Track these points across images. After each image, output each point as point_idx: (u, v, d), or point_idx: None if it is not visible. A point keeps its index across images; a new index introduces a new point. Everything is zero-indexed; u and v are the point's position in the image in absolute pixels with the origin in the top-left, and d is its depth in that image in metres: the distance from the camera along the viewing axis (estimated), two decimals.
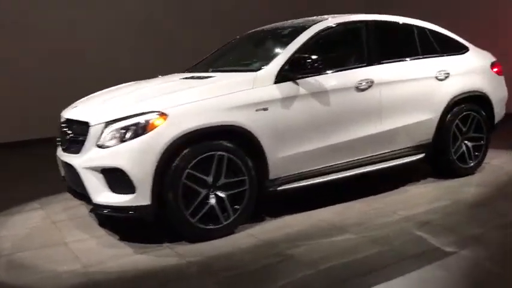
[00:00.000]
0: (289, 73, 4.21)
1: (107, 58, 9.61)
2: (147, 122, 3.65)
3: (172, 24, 10.34)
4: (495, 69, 5.64)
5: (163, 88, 4.22)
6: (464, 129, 5.29)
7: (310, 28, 4.53)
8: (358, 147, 4.61)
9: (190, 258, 3.56)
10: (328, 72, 4.47)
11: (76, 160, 3.86)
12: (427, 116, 5.02)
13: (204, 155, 3.78)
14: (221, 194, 3.89)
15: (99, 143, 3.73)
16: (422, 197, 4.76)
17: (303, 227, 4.09)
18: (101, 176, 3.73)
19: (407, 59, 5.01)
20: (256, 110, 4.00)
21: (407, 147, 4.98)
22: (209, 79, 4.28)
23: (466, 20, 9.28)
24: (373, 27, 4.88)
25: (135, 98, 4.00)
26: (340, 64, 4.66)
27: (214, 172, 3.83)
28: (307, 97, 4.27)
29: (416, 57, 5.09)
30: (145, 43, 10.03)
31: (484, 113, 5.44)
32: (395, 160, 4.89)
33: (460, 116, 5.24)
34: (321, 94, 4.34)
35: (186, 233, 3.86)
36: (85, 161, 3.78)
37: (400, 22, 5.20)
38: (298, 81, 4.24)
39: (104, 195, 3.73)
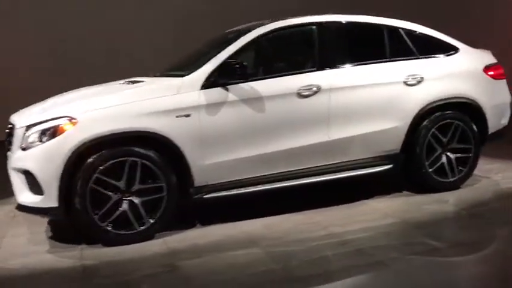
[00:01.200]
0: (218, 79, 4.10)
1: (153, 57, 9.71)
2: (56, 126, 3.77)
3: (211, 24, 10.40)
4: (490, 73, 5.01)
5: (89, 94, 4.30)
6: (444, 140, 4.77)
7: (250, 33, 4.36)
8: (302, 157, 4.36)
9: (86, 262, 3.63)
10: (267, 78, 4.29)
11: (8, 161, 4.10)
12: (392, 124, 4.60)
13: (114, 161, 3.81)
14: (135, 200, 3.90)
15: (22, 145, 3.92)
16: (373, 212, 4.39)
17: (220, 237, 3.98)
18: (23, 176, 3.92)
19: (370, 62, 4.63)
20: (177, 116, 3.95)
21: (369, 158, 4.61)
22: (138, 84, 4.29)
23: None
24: (328, 29, 4.56)
25: (58, 103, 4.14)
26: (284, 69, 4.45)
27: (126, 178, 3.85)
28: (237, 104, 4.12)
29: (382, 60, 4.68)
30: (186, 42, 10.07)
31: (471, 122, 4.86)
32: (355, 170, 4.56)
33: (438, 125, 4.73)
34: (254, 101, 4.17)
35: (96, 237, 3.92)
36: (12, 162, 3.99)
37: (365, 22, 4.80)
38: (229, 87, 4.11)
39: (24, 195, 3.92)
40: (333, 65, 4.47)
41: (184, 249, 3.78)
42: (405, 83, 4.63)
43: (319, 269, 3.33)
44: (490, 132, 5.01)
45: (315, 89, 4.32)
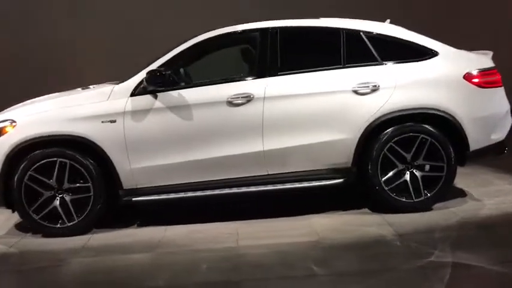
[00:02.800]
0: (147, 87, 4.24)
1: None
2: (2, 128, 4.27)
3: None
4: (474, 80, 4.33)
5: (41, 99, 4.69)
6: (407, 155, 4.28)
7: (188, 41, 4.41)
8: (236, 165, 4.29)
9: (12, 249, 4.08)
10: (200, 85, 4.32)
11: None
12: (339, 136, 4.26)
13: (45, 161, 4.20)
14: (66, 198, 4.26)
15: None
16: (303, 228, 4.14)
17: (136, 239, 4.17)
18: None
19: (317, 69, 4.34)
20: (102, 122, 4.20)
21: (317, 170, 4.34)
22: (76, 90, 4.62)
23: None
24: (272, 35, 4.38)
25: (14, 107, 4.63)
26: (218, 77, 4.41)
27: (56, 176, 4.22)
28: (165, 110, 4.23)
29: (333, 67, 4.35)
30: None
31: (444, 136, 4.28)
32: (301, 182, 4.35)
33: (397, 139, 4.26)
34: (182, 108, 4.23)
35: (34, 228, 4.35)
36: None
37: (319, 27, 4.50)
38: (158, 94, 4.23)
39: None
40: (273, 73, 4.31)
41: (94, 247, 4.04)
42: (355, 91, 4.25)
43: (176, 281, 3.32)
44: (472, 149, 4.34)
45: (247, 97, 4.21)
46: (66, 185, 4.24)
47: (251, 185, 4.34)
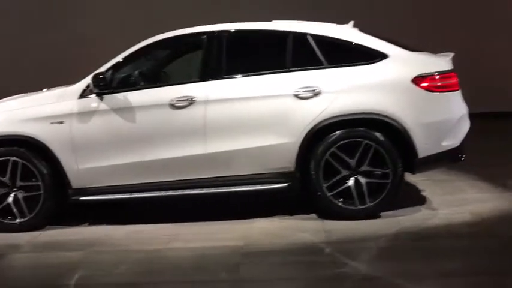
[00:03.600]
0: (94, 89, 4.36)
1: None
2: None
3: None
4: (424, 84, 4.16)
5: (7, 99, 4.91)
6: (351, 161, 4.19)
7: (139, 44, 4.49)
8: (180, 168, 4.34)
9: None
10: (145, 88, 4.41)
11: None
12: (280, 140, 4.22)
13: (1, 159, 4.40)
14: (19, 195, 4.45)
15: None
16: (236, 232, 4.14)
17: (76, 237, 4.31)
18: None
19: (261, 73, 4.31)
20: (51, 123, 4.35)
21: (261, 174, 4.32)
22: (36, 92, 4.79)
23: None
24: (218, 39, 4.39)
25: None
26: (164, 80, 4.49)
27: (9, 176, 4.41)
28: (109, 113, 4.33)
29: (276, 71, 4.30)
30: None
31: (389, 142, 4.15)
32: (245, 186, 4.33)
33: (340, 144, 4.17)
34: (126, 110, 4.32)
35: None
36: None
37: (265, 30, 4.47)
38: (104, 96, 4.35)
39: None
40: (217, 76, 4.32)
41: (39, 243, 4.20)
42: (296, 96, 4.19)
43: (87, 281, 3.43)
44: (421, 156, 4.18)
45: (189, 100, 4.25)
46: (18, 183, 4.43)
47: (195, 187, 4.37)
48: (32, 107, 4.46)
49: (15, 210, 4.45)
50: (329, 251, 3.67)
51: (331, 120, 4.16)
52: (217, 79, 4.31)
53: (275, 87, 4.24)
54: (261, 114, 4.23)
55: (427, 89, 4.16)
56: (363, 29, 4.54)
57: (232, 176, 4.34)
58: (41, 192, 4.41)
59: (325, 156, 4.18)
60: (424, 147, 4.18)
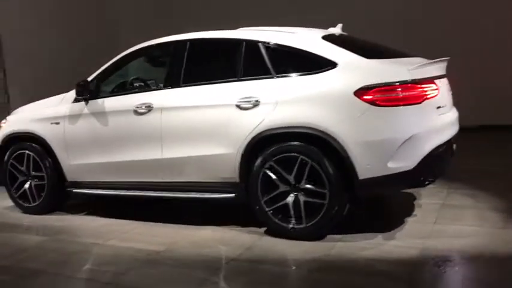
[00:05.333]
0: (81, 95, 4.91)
1: None
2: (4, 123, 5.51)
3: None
4: (367, 97, 3.69)
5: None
6: (289, 177, 3.96)
7: (119, 55, 4.87)
8: (144, 170, 4.63)
9: None
10: (119, 95, 4.78)
11: None
12: (223, 150, 4.18)
13: (18, 152, 5.26)
14: (32, 183, 5.26)
15: None
16: (175, 237, 4.24)
17: (57, 224, 4.91)
18: None
19: (215, 82, 4.30)
20: (51, 123, 5.05)
21: (210, 182, 4.36)
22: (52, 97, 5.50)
23: None
24: (181, 48, 4.51)
25: None
26: (134, 88, 4.79)
27: (25, 166, 5.25)
28: (89, 116, 4.83)
29: (229, 80, 4.24)
30: None
31: (326, 160, 3.81)
32: (196, 193, 4.45)
33: (278, 158, 3.97)
34: (102, 114, 4.76)
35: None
36: None
37: (221, 38, 4.43)
38: (89, 101, 4.87)
39: None
40: (176, 85, 4.47)
41: (30, 226, 4.93)
42: (238, 106, 4.11)
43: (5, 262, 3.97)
44: (362, 177, 3.74)
45: (148, 107, 4.50)
46: (32, 173, 5.22)
47: (157, 190, 4.61)
48: (40, 109, 5.20)
49: (29, 195, 5.27)
50: (222, 267, 3.56)
51: (268, 133, 3.98)
52: (174, 87, 4.47)
53: (221, 97, 4.22)
54: (208, 123, 4.25)
55: (370, 102, 3.69)
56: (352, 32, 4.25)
57: (185, 182, 4.46)
58: (45, 182, 5.14)
59: (263, 170, 4.02)
60: (365, 168, 3.72)
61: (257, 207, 4.09)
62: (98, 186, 4.92)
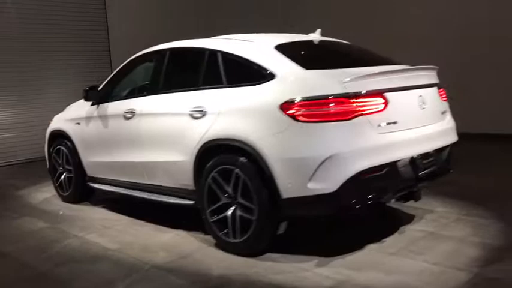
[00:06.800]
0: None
1: None
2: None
3: None
4: (290, 111, 3.45)
5: None
6: (228, 189, 3.91)
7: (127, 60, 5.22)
8: (132, 171, 4.93)
9: None
10: (118, 100, 5.14)
11: None
12: (179, 157, 4.25)
13: (57, 147, 5.99)
14: (65, 175, 5.94)
15: None
16: (135, 237, 4.46)
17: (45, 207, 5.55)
18: None
19: (182, 90, 4.38)
20: (75, 123, 5.65)
21: (174, 187, 4.48)
22: None
23: None
24: (162, 57, 4.70)
25: None
26: (131, 93, 5.08)
27: (61, 160, 5.94)
28: (97, 118, 5.30)
29: (192, 88, 4.28)
30: None
31: (255, 175, 3.67)
32: (164, 196, 4.59)
33: (218, 169, 3.94)
34: (105, 117, 5.19)
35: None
36: None
37: (192, 48, 4.46)
38: (100, 105, 5.35)
39: None
40: (154, 92, 4.67)
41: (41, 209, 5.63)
42: (191, 115, 4.15)
43: None
44: (285, 196, 3.52)
45: (132, 113, 4.78)
46: (65, 166, 5.90)
47: (145, 190, 4.86)
48: (72, 109, 5.84)
49: (64, 186, 5.96)
50: (139, 272, 3.68)
51: (211, 144, 3.97)
52: (151, 94, 4.68)
53: (179, 105, 4.30)
54: (169, 130, 4.37)
55: (292, 117, 3.44)
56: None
57: (158, 185, 4.64)
58: (72, 175, 5.77)
59: (208, 181, 4.01)
60: (287, 187, 3.50)
61: (203, 216, 4.09)
62: (107, 182, 5.36)
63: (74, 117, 5.68)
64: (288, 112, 3.45)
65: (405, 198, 3.98)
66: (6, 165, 8.76)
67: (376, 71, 3.57)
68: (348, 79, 3.41)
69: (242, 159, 3.71)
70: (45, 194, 6.39)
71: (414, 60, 4.59)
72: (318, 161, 3.34)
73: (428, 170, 3.84)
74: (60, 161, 5.93)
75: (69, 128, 5.71)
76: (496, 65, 8.56)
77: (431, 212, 4.67)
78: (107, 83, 5.33)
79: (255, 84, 3.78)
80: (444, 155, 4.11)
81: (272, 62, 3.79)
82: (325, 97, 3.38)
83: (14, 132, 8.97)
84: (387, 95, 3.53)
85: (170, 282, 3.49)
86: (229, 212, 3.90)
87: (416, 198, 3.92)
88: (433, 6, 9.24)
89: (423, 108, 3.81)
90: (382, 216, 4.70)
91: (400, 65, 4.10)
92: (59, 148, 5.90)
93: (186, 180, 4.25)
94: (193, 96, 4.20)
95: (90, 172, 5.55)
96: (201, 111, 4.05)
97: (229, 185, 3.86)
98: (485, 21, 8.61)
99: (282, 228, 3.76)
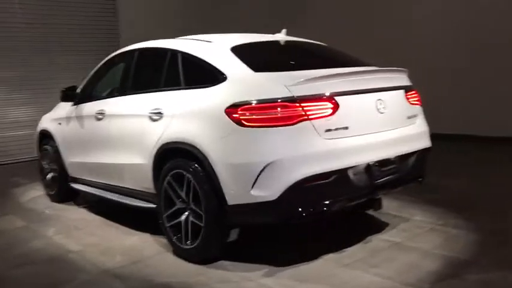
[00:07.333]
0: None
1: None
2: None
3: None
4: (234, 115, 3.33)
5: None
6: (182, 193, 3.83)
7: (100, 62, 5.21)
8: (104, 172, 4.92)
9: None
10: (94, 100, 5.13)
11: None
12: (140, 160, 4.19)
13: (43, 147, 6.04)
14: (49, 176, 5.98)
15: None
16: (101, 239, 4.44)
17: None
18: None
19: (144, 91, 4.33)
20: (58, 123, 5.69)
21: (138, 190, 4.42)
22: None
23: None
24: (131, 57, 4.66)
25: None
26: (104, 94, 5.05)
27: (47, 160, 5.99)
28: (74, 119, 5.31)
29: (154, 89, 4.22)
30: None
31: (205, 180, 3.57)
32: (130, 199, 4.53)
33: (172, 173, 3.86)
34: (80, 118, 5.20)
35: None
36: None
37: (158, 47, 4.43)
38: (78, 105, 5.35)
39: None
40: (122, 93, 4.66)
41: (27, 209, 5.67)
42: (150, 117, 4.08)
43: None
44: (230, 202, 3.41)
45: (102, 114, 4.76)
46: (51, 166, 5.94)
47: (118, 193, 4.83)
48: (57, 110, 5.87)
49: (50, 185, 6.01)
50: (85, 275, 3.64)
51: (165, 147, 3.89)
52: (118, 95, 4.65)
53: (141, 107, 4.24)
54: (132, 132, 4.33)
55: (236, 121, 3.32)
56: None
57: (126, 187, 4.60)
58: (57, 175, 5.82)
59: (164, 185, 3.94)
60: (231, 193, 3.39)
61: (160, 221, 4.02)
62: (85, 183, 5.36)
63: (57, 117, 5.72)
64: (232, 116, 3.33)
65: (364, 207, 3.79)
66: (22, 162, 8.89)
67: (327, 74, 3.40)
68: (294, 82, 3.26)
69: (192, 163, 3.62)
70: (37, 193, 6.44)
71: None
72: (259, 167, 3.21)
73: (388, 177, 3.64)
74: (45, 162, 5.98)
75: (53, 128, 5.75)
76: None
77: (407, 221, 4.46)
78: (85, 83, 5.33)
79: (207, 87, 3.67)
80: (411, 161, 3.88)
81: (225, 63, 3.68)
82: (268, 101, 3.24)
83: (30, 129, 9.14)
84: (338, 98, 3.36)
85: (113, 287, 3.44)
86: (183, 217, 3.81)
87: (376, 207, 3.73)
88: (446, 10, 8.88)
89: (382, 113, 3.61)
90: (353, 224, 4.51)
91: (366, 67, 3.92)
92: (46, 147, 5.96)
93: (148, 183, 4.19)
94: (153, 98, 4.14)
95: (71, 172, 5.57)
96: (159, 113, 3.98)
97: (182, 190, 3.77)
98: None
99: (233, 235, 3.65)
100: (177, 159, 3.79)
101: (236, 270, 3.59)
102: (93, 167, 5.06)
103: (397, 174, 3.72)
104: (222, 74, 3.61)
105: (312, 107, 3.26)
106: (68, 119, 5.43)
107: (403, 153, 3.75)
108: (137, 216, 4.84)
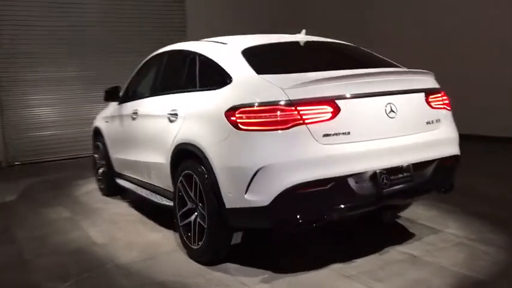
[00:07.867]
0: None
1: None
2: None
3: None
4: (232, 118, 3.30)
5: None
6: (191, 194, 3.88)
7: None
8: (138, 170, 5.09)
9: None
10: (133, 100, 5.32)
11: None
12: (159, 159, 4.31)
13: (96, 143, 6.40)
14: (102, 170, 6.33)
15: None
16: (127, 234, 4.59)
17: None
18: None
19: (170, 92, 4.40)
20: (105, 121, 6.00)
21: (165, 189, 4.51)
22: None
23: None
24: (162, 59, 4.78)
25: None
26: (140, 94, 5.22)
27: (99, 156, 6.34)
28: (117, 118, 5.56)
29: (179, 91, 4.27)
30: None
31: (209, 183, 3.57)
32: (156, 196, 4.65)
33: (184, 174, 3.92)
34: (121, 117, 5.43)
35: None
36: None
37: (182, 50, 4.47)
38: (121, 104, 5.60)
39: None
40: (153, 93, 4.79)
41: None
42: (168, 118, 4.16)
43: None
44: (228, 206, 3.40)
45: (136, 113, 4.94)
46: (102, 162, 6.28)
47: (147, 189, 5.00)
48: (107, 109, 6.17)
49: (101, 179, 6.36)
50: (96, 269, 3.80)
51: (178, 147, 3.95)
52: (150, 96, 4.78)
53: (163, 108, 4.33)
54: (154, 131, 4.46)
55: (233, 124, 3.29)
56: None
57: (155, 185, 4.73)
58: (105, 170, 6.13)
59: (178, 184, 4.01)
60: (228, 196, 3.37)
61: (175, 220, 4.09)
62: (126, 179, 5.60)
63: (105, 115, 6.02)
64: (230, 119, 3.31)
65: (371, 217, 3.58)
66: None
67: (328, 76, 3.25)
68: (291, 85, 3.16)
69: (199, 165, 3.64)
70: (92, 186, 6.83)
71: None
72: (251, 171, 3.16)
73: (399, 186, 3.41)
74: (98, 156, 6.32)
75: (102, 126, 6.06)
76: None
77: (437, 233, 4.16)
78: (127, 83, 5.55)
79: (216, 89, 3.68)
80: (430, 170, 3.60)
81: (232, 66, 3.66)
82: (264, 104, 3.17)
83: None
84: (339, 102, 3.21)
85: (116, 282, 3.56)
86: (193, 217, 3.85)
87: (385, 217, 3.50)
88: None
89: (392, 118, 3.38)
90: (376, 233, 4.27)
91: (384, 68, 3.70)
92: (97, 144, 6.29)
93: (168, 182, 4.28)
94: (172, 99, 4.22)
95: (116, 168, 5.84)
96: (175, 114, 4.06)
97: (192, 190, 3.81)
98: None
99: (236, 238, 3.62)
100: (187, 160, 3.83)
101: (236, 274, 3.56)
102: (129, 164, 5.27)
103: (411, 183, 3.46)
104: (229, 76, 3.59)
105: (308, 111, 3.14)
106: (113, 117, 5.69)
107: (419, 160, 3.49)
108: (169, 214, 4.97)
